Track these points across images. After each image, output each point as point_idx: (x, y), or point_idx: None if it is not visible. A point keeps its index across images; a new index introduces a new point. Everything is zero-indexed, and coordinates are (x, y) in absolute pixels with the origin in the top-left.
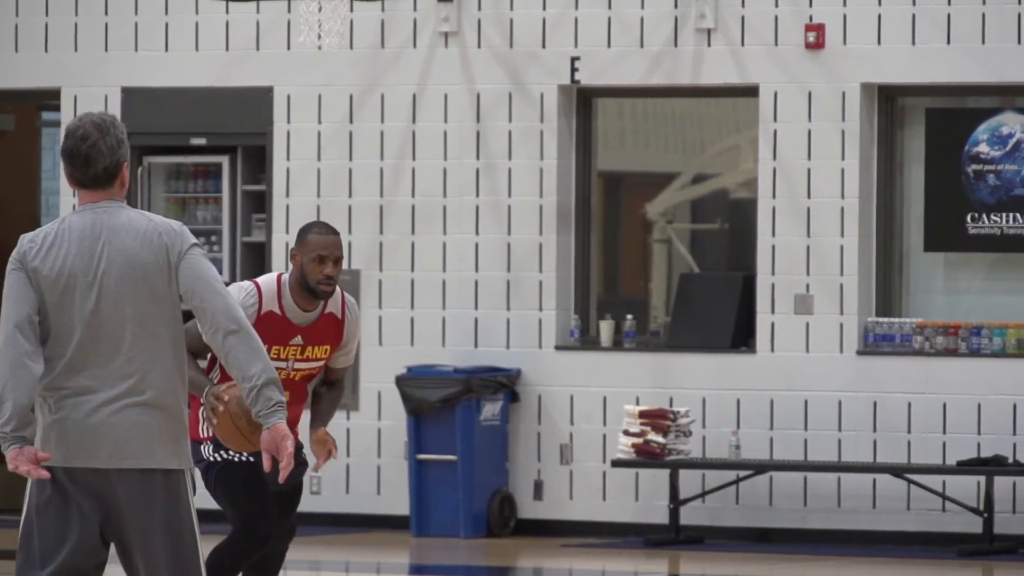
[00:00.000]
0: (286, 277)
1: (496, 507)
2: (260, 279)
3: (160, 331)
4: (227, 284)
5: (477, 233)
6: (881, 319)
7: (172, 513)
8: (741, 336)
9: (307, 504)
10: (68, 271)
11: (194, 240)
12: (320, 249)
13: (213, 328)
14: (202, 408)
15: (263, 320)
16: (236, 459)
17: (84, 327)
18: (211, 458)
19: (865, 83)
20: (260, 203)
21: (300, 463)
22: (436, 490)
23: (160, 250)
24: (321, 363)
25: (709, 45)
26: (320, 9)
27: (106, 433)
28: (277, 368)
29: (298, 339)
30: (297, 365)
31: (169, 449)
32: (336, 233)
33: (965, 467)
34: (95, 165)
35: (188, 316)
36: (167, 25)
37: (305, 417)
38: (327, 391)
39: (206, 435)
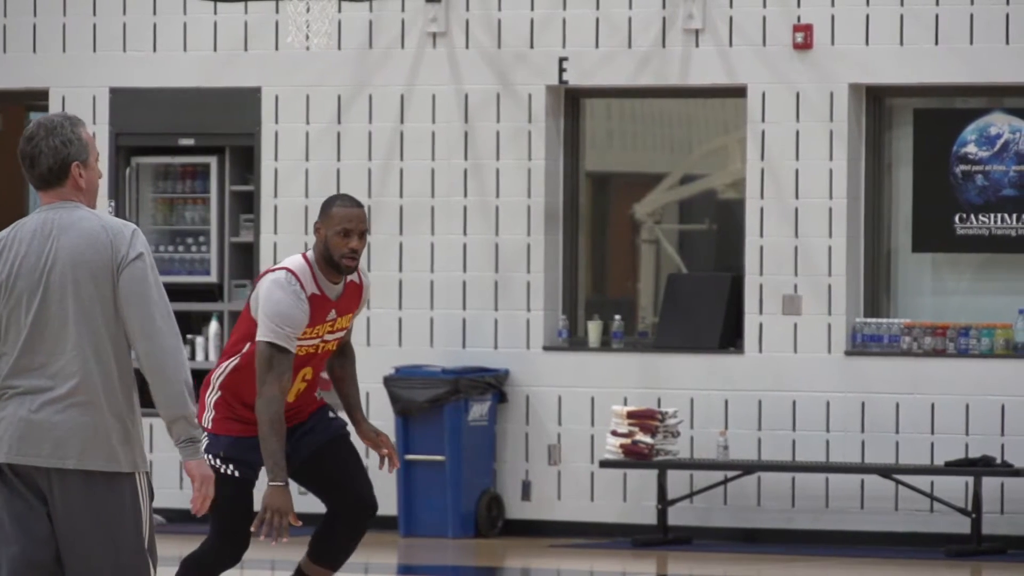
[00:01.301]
0: (310, 254)
1: (484, 507)
2: (289, 263)
3: (104, 331)
4: (222, 284)
5: (465, 233)
6: (869, 320)
7: (112, 520)
8: (729, 336)
9: (295, 504)
10: (18, 271)
11: (142, 249)
12: (345, 222)
13: (135, 348)
14: (207, 394)
15: (312, 303)
16: (227, 472)
17: (31, 326)
18: (207, 458)
19: (853, 83)
20: (248, 203)
21: (337, 421)
22: (424, 491)
23: (105, 251)
24: (344, 332)
25: (697, 45)
26: (308, 10)
27: (48, 432)
28: (309, 345)
29: (332, 314)
30: (327, 337)
31: (113, 452)
32: (360, 206)
33: (953, 468)
34: (39, 165)
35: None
36: (155, 25)
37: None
38: (342, 365)
39: (205, 426)
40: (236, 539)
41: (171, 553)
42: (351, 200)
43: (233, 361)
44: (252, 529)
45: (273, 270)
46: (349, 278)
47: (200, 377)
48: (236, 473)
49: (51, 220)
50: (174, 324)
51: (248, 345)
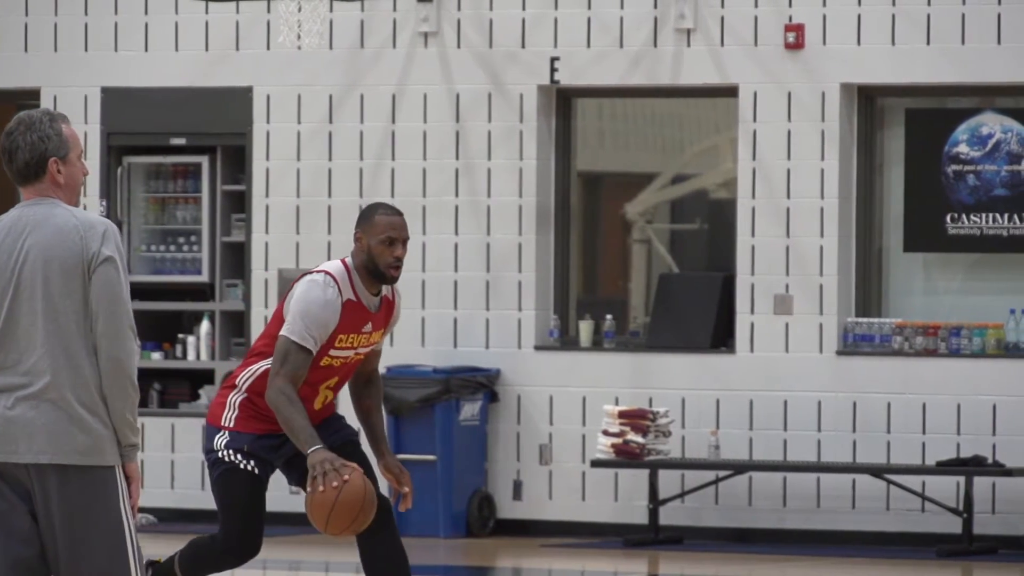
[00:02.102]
0: (349, 261)
1: (475, 507)
2: (328, 267)
3: (75, 327)
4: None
5: (456, 233)
6: (861, 319)
7: (91, 513)
8: (720, 336)
9: (286, 504)
10: None
11: (112, 250)
12: (390, 230)
13: (99, 353)
14: (232, 394)
15: (346, 309)
16: (242, 466)
17: (3, 323)
18: (220, 452)
19: (845, 83)
20: (240, 203)
21: (349, 427)
22: (415, 490)
23: (76, 247)
24: (374, 347)
25: (689, 45)
26: (300, 9)
27: (23, 428)
28: (343, 356)
29: (368, 326)
30: (361, 350)
31: (88, 446)
32: (401, 213)
33: (945, 467)
34: (16, 160)
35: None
36: (147, 25)
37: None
38: (369, 395)
39: (227, 424)
40: (247, 539)
41: (163, 552)
42: (392, 208)
43: (263, 365)
44: (308, 489)
45: (312, 272)
46: (384, 292)
47: (193, 376)
48: (256, 469)
49: (26, 216)
50: (134, 328)
51: None
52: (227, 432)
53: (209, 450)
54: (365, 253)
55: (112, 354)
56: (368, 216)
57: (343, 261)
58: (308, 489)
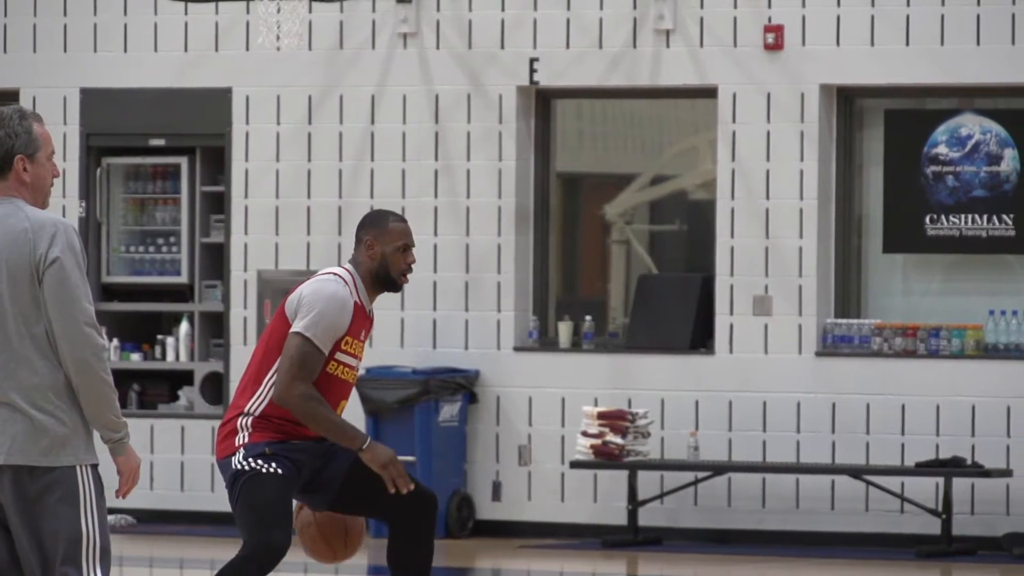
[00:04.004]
0: (350, 267)
1: (454, 508)
2: (337, 271)
3: (23, 330)
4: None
5: (436, 234)
6: (840, 320)
7: (45, 513)
8: (700, 337)
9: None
10: None
11: (59, 252)
12: (404, 237)
13: (58, 349)
14: (241, 418)
15: (355, 311)
16: (264, 470)
17: None
18: (239, 467)
19: (824, 84)
20: (219, 204)
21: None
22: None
23: (25, 249)
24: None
25: (668, 46)
26: (279, 10)
27: None
28: (348, 364)
29: (363, 333)
30: (359, 358)
31: (45, 447)
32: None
33: (923, 468)
34: None
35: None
36: (126, 26)
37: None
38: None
39: (241, 443)
40: (275, 543)
41: (141, 553)
42: (400, 215)
43: (269, 389)
44: (391, 491)
45: (318, 275)
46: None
47: (172, 378)
48: (279, 469)
49: None
50: (96, 325)
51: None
52: (242, 448)
53: (232, 480)
54: (377, 260)
55: (75, 356)
56: (381, 223)
57: (344, 267)
58: (390, 489)
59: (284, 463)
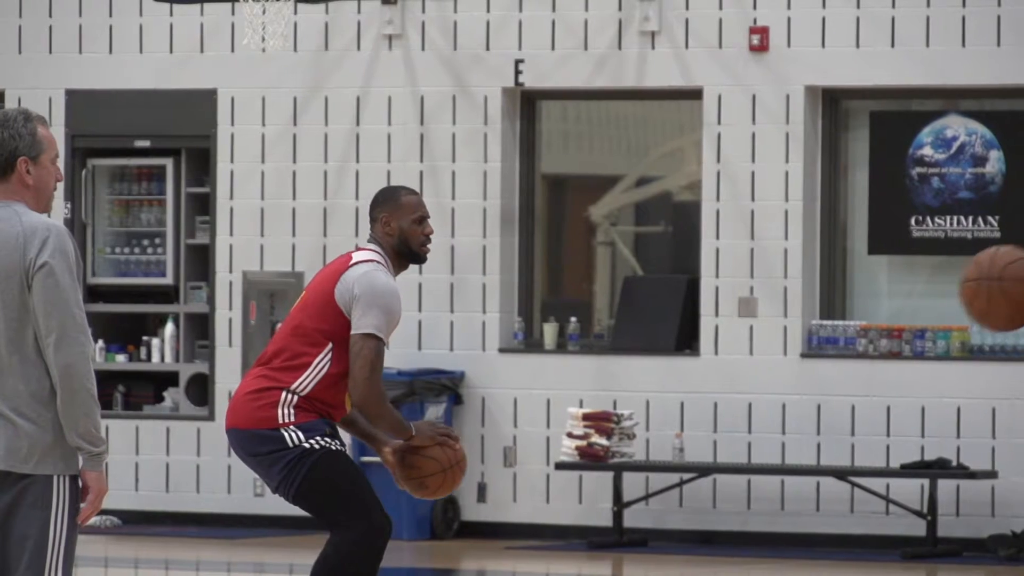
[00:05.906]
0: (375, 247)
1: (440, 509)
2: (371, 256)
3: (12, 335)
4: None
5: None
6: (825, 322)
7: (12, 518)
8: (685, 339)
9: (250, 506)
10: None
11: (49, 257)
12: (419, 209)
13: (44, 355)
14: (285, 394)
15: None
16: (334, 447)
17: None
18: (306, 444)
19: (809, 86)
20: (204, 205)
21: None
22: (380, 493)
23: (17, 254)
24: None
25: (653, 48)
26: (264, 11)
27: None
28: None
29: None
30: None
31: (15, 452)
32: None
33: (909, 470)
34: None
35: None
36: (111, 27)
37: None
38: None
39: (288, 420)
40: (382, 524)
41: (126, 555)
42: (411, 188)
43: (323, 368)
44: (456, 447)
45: (360, 261)
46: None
47: (157, 379)
48: (343, 448)
49: None
50: (85, 332)
51: (331, 346)
52: (293, 426)
53: (278, 449)
54: (395, 236)
55: (60, 361)
56: (393, 198)
57: (371, 248)
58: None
59: (339, 441)
